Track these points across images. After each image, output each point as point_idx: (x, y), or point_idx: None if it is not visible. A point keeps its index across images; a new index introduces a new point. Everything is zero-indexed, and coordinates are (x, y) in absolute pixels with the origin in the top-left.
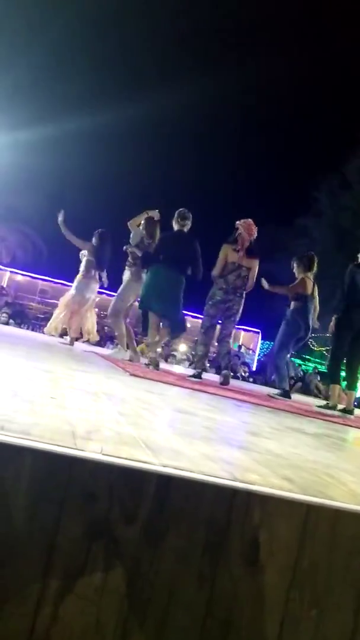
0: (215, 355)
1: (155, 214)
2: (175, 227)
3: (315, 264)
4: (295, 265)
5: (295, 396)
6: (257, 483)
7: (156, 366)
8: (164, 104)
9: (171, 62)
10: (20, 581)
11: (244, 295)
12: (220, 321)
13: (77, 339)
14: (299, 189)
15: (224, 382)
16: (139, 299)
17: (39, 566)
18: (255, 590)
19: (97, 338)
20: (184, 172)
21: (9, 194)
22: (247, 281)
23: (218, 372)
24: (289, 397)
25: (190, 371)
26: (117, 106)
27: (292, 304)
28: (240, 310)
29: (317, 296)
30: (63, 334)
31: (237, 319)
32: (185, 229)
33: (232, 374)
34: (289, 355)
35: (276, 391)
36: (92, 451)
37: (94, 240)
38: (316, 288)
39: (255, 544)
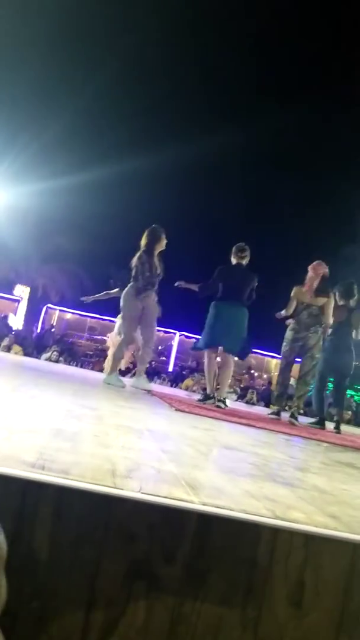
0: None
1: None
2: (234, 260)
3: (356, 291)
4: (337, 293)
5: (347, 428)
6: (301, 521)
7: (224, 404)
8: (206, 148)
9: (219, 107)
10: (62, 622)
11: (319, 331)
12: (298, 360)
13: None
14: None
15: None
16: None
17: (80, 607)
18: (300, 634)
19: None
20: (229, 213)
21: (58, 235)
22: (320, 319)
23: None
24: (323, 426)
25: (237, 404)
26: (159, 151)
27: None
28: (318, 346)
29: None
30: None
31: (315, 354)
32: (244, 262)
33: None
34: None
35: (312, 420)
36: (131, 490)
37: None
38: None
39: (300, 585)
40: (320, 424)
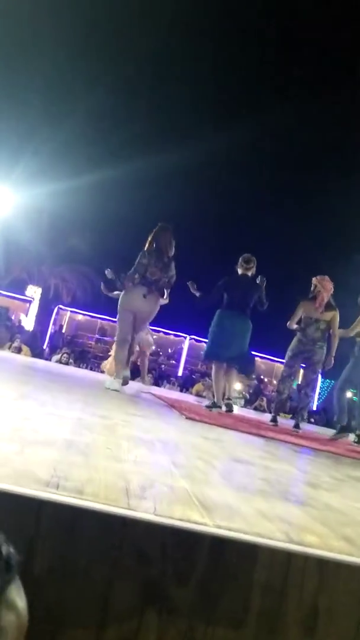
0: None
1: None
2: (240, 271)
3: None
4: None
5: None
6: (315, 545)
7: (229, 409)
8: (219, 150)
9: (231, 109)
10: None
11: (324, 347)
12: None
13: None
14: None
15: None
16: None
17: (92, 628)
18: None
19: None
20: (243, 214)
21: (70, 236)
22: (326, 333)
23: (293, 417)
24: (347, 434)
25: (246, 411)
26: (172, 152)
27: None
28: (322, 361)
29: None
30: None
31: (319, 369)
32: (250, 274)
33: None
34: (350, 394)
35: (334, 432)
36: (145, 511)
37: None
38: None
39: (314, 611)
40: (344, 432)
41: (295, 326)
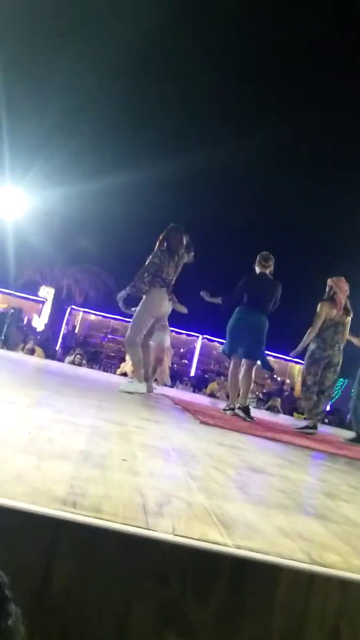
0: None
1: None
2: (258, 269)
3: None
4: None
5: None
6: (337, 566)
7: (247, 414)
8: (231, 153)
9: (246, 112)
10: None
11: (341, 348)
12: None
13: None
14: None
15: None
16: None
17: None
18: None
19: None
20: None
21: (81, 237)
22: (341, 336)
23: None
24: None
25: (260, 412)
26: (182, 155)
27: None
28: (340, 363)
29: None
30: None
31: (338, 369)
32: (268, 272)
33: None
34: None
35: (351, 435)
36: (163, 531)
37: None
38: None
39: (336, 633)
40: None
41: (316, 331)
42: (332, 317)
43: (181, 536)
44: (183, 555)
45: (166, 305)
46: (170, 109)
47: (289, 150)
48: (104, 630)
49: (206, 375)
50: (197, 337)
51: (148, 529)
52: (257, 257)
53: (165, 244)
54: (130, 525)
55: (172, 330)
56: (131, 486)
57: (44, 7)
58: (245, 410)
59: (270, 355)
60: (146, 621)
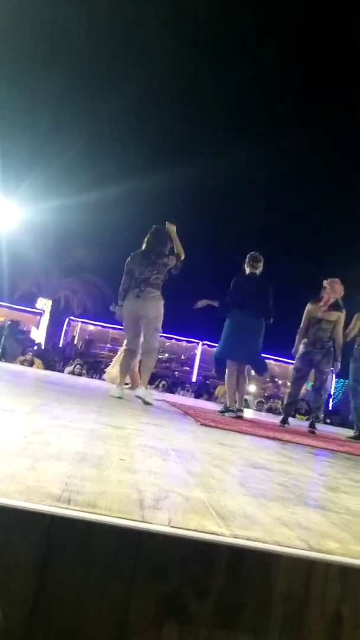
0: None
1: None
2: (247, 270)
3: None
4: None
5: None
6: (336, 552)
7: (238, 416)
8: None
9: (238, 124)
10: None
11: (329, 348)
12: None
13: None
14: None
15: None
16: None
17: None
18: None
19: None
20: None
21: (78, 248)
22: (330, 333)
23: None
24: None
25: (261, 414)
26: (175, 167)
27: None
28: (328, 361)
29: None
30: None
31: (326, 369)
32: (258, 272)
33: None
34: None
35: (352, 433)
36: (160, 523)
37: None
38: None
39: (338, 619)
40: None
41: (302, 344)
42: (316, 315)
43: (178, 528)
44: (180, 546)
45: (134, 303)
46: (164, 122)
47: (287, 162)
48: (104, 625)
49: (207, 382)
50: (198, 343)
51: (144, 522)
52: (247, 257)
53: (144, 246)
54: (126, 519)
55: (172, 338)
56: (128, 483)
57: (36, 20)
58: (238, 412)
59: (271, 358)
60: (146, 614)
